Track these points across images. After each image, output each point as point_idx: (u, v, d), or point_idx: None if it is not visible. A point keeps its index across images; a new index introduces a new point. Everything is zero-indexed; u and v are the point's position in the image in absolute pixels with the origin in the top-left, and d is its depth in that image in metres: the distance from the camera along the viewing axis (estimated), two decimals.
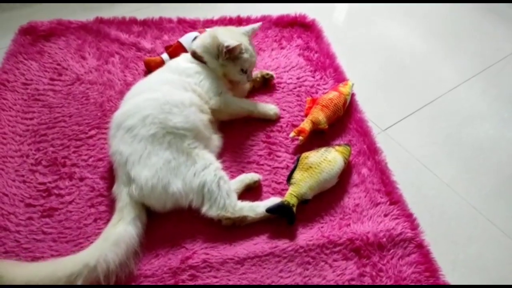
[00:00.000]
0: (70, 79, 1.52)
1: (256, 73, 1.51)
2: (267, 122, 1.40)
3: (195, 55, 1.34)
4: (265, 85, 1.53)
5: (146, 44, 1.68)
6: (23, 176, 1.21)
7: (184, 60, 1.35)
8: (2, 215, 1.11)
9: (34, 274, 0.90)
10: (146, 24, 1.78)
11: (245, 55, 1.30)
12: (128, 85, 1.48)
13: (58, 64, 1.57)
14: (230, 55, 1.28)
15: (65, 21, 1.74)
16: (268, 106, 1.43)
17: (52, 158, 1.26)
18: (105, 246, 0.97)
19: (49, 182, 1.20)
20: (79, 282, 0.91)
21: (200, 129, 1.19)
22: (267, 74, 1.51)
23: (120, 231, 1.01)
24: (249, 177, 1.20)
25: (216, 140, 1.27)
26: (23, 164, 1.24)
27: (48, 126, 1.35)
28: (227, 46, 1.26)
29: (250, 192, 1.20)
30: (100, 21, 1.77)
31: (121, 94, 1.44)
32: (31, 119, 1.38)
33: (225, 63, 1.31)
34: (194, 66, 1.31)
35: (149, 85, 1.25)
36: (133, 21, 1.79)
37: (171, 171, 1.08)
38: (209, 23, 1.79)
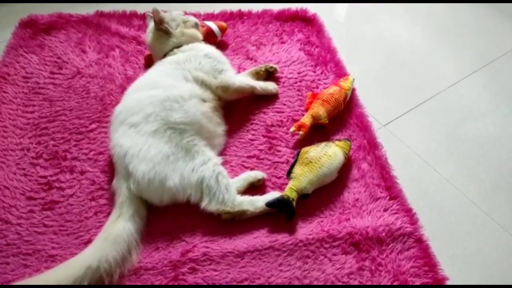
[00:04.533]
0: (70, 73, 1.52)
1: (260, 66, 1.51)
2: (268, 112, 1.41)
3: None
4: (269, 78, 1.53)
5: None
6: (24, 169, 1.22)
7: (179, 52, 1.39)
8: (4, 208, 1.12)
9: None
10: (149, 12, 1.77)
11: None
12: (128, 79, 1.49)
13: (59, 58, 1.57)
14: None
15: (66, 15, 1.74)
16: (267, 82, 1.47)
17: (53, 151, 1.27)
18: (105, 245, 0.98)
19: (50, 176, 1.21)
20: (85, 283, 0.93)
21: (202, 122, 1.20)
22: (271, 67, 1.52)
23: (119, 229, 1.02)
24: (252, 175, 1.20)
25: (220, 137, 1.28)
26: (24, 158, 1.25)
27: (48, 120, 1.36)
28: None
29: (253, 189, 1.20)
30: (100, 14, 1.77)
31: (122, 88, 1.44)
32: (31, 112, 1.38)
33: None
34: (187, 53, 1.34)
35: (151, 80, 1.26)
36: (134, 14, 1.79)
37: (169, 166, 1.08)
38: (210, 17, 1.79)
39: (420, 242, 1.09)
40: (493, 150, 1.40)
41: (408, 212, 1.15)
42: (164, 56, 1.39)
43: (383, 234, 1.10)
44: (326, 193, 1.19)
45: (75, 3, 1.88)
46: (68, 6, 1.82)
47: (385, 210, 1.16)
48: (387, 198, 1.19)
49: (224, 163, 1.20)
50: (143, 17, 1.77)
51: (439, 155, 1.37)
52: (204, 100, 1.26)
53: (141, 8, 1.81)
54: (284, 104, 1.46)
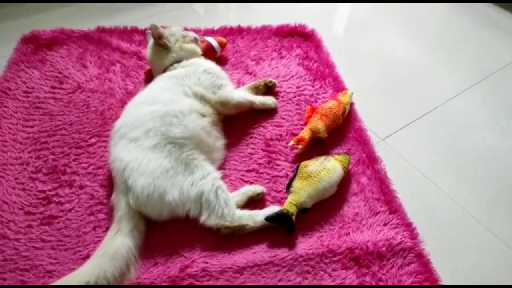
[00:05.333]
0: (71, 87, 1.53)
1: (259, 81, 1.53)
2: (267, 126, 1.42)
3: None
4: (268, 93, 1.54)
5: None
6: (23, 183, 1.22)
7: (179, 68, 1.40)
8: (2, 223, 1.11)
9: None
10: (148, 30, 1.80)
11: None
12: (129, 94, 1.50)
13: (60, 73, 1.59)
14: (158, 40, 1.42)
15: (67, 30, 1.76)
16: (266, 97, 1.49)
17: (52, 166, 1.27)
18: (103, 261, 0.97)
19: (49, 190, 1.20)
20: None
21: (201, 137, 1.20)
22: (270, 82, 1.53)
23: (118, 244, 1.01)
24: (252, 189, 1.19)
25: (219, 152, 1.28)
26: (23, 172, 1.25)
27: (48, 134, 1.36)
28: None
29: (253, 203, 1.19)
30: (101, 30, 1.79)
31: (122, 102, 1.45)
32: (32, 126, 1.38)
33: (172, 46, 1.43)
34: (186, 68, 1.36)
35: (151, 95, 1.27)
36: (135, 30, 1.81)
37: (168, 180, 1.08)
38: (210, 33, 1.81)
39: (421, 257, 1.08)
40: (492, 164, 1.40)
41: (408, 226, 1.15)
42: (164, 71, 1.40)
43: (383, 249, 1.09)
44: (326, 207, 1.19)
45: (77, 14, 1.91)
46: (70, 22, 1.84)
47: (385, 224, 1.16)
48: (387, 212, 1.19)
49: (223, 177, 1.20)
50: (143, 32, 1.79)
51: (438, 168, 1.37)
52: (203, 115, 1.26)
53: (141, 23, 1.83)
54: (283, 118, 1.46)
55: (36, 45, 1.68)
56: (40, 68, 1.59)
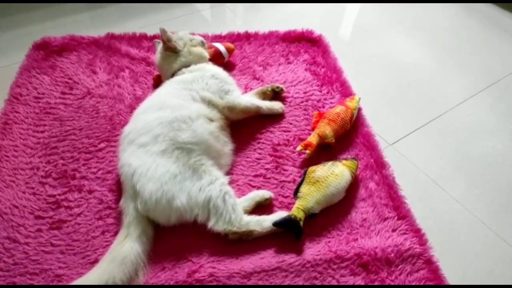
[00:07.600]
0: (81, 93, 1.55)
1: (266, 86, 1.53)
2: (274, 131, 1.42)
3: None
4: (276, 98, 1.55)
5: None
6: (33, 188, 1.23)
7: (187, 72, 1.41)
8: (12, 227, 1.13)
9: None
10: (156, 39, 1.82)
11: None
12: (137, 99, 1.51)
13: (70, 78, 1.61)
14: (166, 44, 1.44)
15: (77, 37, 1.79)
16: (273, 102, 1.49)
17: (62, 170, 1.28)
18: (112, 267, 0.98)
19: (59, 195, 1.22)
20: None
21: (210, 142, 1.21)
22: (277, 87, 1.54)
23: (127, 249, 1.01)
24: (260, 194, 1.19)
25: (227, 157, 1.28)
26: (34, 177, 1.26)
27: (58, 139, 1.38)
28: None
29: (260, 208, 1.19)
30: (111, 36, 1.82)
31: (131, 108, 1.47)
32: (42, 132, 1.40)
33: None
34: (194, 73, 1.37)
35: (159, 101, 1.28)
36: (143, 36, 1.83)
37: (176, 185, 1.09)
38: (218, 39, 1.83)
39: (430, 264, 1.07)
40: (502, 169, 1.39)
41: (417, 232, 1.14)
42: (172, 75, 1.42)
43: (392, 255, 1.08)
44: (334, 212, 1.18)
45: (87, 21, 1.94)
46: (80, 29, 1.87)
47: (393, 230, 1.15)
48: (395, 218, 1.18)
49: (231, 182, 1.20)
50: (152, 39, 1.81)
51: (447, 174, 1.36)
52: (211, 120, 1.27)
53: (150, 30, 1.85)
54: (291, 123, 1.47)
55: (47, 52, 1.70)
56: (51, 74, 1.62)
